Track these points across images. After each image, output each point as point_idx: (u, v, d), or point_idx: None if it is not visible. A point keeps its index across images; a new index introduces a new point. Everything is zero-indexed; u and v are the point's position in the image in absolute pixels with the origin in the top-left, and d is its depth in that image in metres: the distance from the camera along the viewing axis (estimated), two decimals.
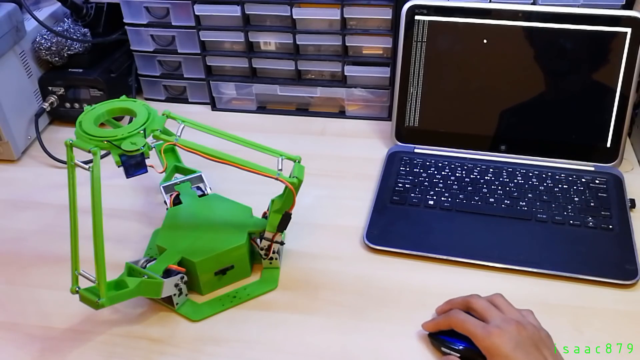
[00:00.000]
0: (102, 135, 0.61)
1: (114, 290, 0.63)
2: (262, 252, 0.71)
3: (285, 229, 0.70)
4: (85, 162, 0.60)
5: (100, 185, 0.59)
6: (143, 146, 0.61)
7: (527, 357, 0.55)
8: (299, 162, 0.69)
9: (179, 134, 0.64)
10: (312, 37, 0.97)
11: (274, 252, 0.71)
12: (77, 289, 0.62)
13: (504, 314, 0.60)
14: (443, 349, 0.61)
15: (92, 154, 0.59)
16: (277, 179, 0.64)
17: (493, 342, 0.56)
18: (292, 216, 0.68)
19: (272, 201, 0.71)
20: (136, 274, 0.66)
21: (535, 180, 0.83)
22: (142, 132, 0.62)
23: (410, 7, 0.86)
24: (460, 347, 0.60)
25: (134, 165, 0.63)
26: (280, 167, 0.66)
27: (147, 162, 0.64)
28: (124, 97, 0.69)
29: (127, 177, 0.63)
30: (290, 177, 0.66)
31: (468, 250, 0.73)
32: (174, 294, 0.67)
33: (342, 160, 0.92)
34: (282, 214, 0.68)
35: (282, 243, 0.72)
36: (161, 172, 0.77)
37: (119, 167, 0.62)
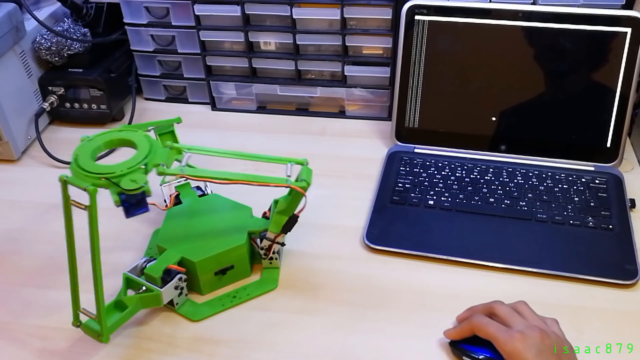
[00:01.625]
0: (100, 172, 0.56)
1: (114, 310, 0.63)
2: (262, 252, 0.71)
3: (290, 231, 0.70)
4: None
5: (98, 226, 0.56)
6: (144, 184, 0.56)
7: None
8: (306, 164, 0.68)
9: (184, 164, 0.61)
10: (312, 37, 0.97)
11: (273, 252, 0.71)
12: (79, 324, 0.62)
13: (527, 320, 0.59)
14: (464, 357, 0.61)
15: (88, 194, 0.55)
16: (288, 186, 0.64)
17: (515, 347, 0.55)
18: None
19: (275, 201, 0.71)
20: (134, 285, 0.66)
21: (535, 180, 0.83)
22: (143, 167, 0.58)
23: (410, 7, 0.86)
24: (481, 357, 0.59)
25: (134, 204, 0.58)
26: (289, 173, 0.65)
27: (149, 199, 0.59)
28: (123, 126, 0.64)
29: (127, 217, 0.59)
30: (298, 180, 0.65)
31: (468, 250, 0.73)
32: (174, 295, 0.67)
33: (342, 160, 0.92)
34: (289, 216, 0.68)
35: (282, 244, 0.72)
36: (165, 209, 0.74)
37: (117, 206, 0.57)
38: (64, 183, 0.56)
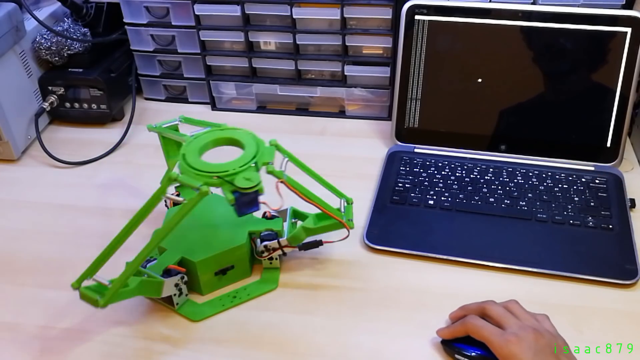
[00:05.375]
0: (212, 171, 0.56)
1: None
2: (262, 251, 0.71)
3: (305, 251, 0.72)
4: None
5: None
6: (259, 182, 0.56)
7: None
8: (351, 204, 0.71)
9: (282, 168, 0.61)
10: (312, 36, 0.97)
11: (272, 256, 0.72)
12: (79, 286, 0.61)
13: (520, 320, 0.59)
14: (457, 355, 0.61)
15: (200, 192, 0.55)
16: (340, 221, 0.67)
17: (511, 351, 0.55)
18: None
19: (294, 210, 0.73)
20: (136, 274, 0.66)
21: (535, 180, 0.83)
22: (253, 165, 0.58)
23: (410, 7, 0.86)
24: (474, 354, 0.59)
25: (247, 203, 0.58)
26: (342, 210, 0.70)
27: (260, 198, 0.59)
28: (224, 125, 0.64)
29: (239, 216, 0.59)
30: (347, 220, 0.69)
31: (468, 250, 0.73)
32: (174, 294, 0.67)
33: (342, 160, 0.92)
34: (313, 237, 0.70)
35: (284, 254, 0.72)
36: (276, 209, 0.71)
37: (231, 205, 0.57)
38: (169, 181, 0.56)
